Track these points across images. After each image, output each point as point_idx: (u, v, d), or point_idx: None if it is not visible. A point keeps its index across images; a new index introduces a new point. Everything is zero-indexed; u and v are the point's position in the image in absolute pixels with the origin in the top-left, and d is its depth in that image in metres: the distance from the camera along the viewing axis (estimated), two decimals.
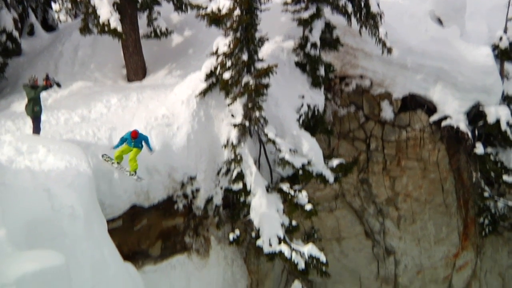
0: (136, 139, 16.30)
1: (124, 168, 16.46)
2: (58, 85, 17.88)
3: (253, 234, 19.00)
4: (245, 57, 18.69)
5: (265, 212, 18.67)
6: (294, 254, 18.55)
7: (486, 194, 26.81)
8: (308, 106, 21.51)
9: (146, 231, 17.70)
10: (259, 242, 18.68)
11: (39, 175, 10.74)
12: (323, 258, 19.05)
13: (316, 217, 21.65)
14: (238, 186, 19.32)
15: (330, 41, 22.84)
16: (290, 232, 19.33)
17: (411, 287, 27.75)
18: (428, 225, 26.89)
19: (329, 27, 22.52)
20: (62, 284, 8.44)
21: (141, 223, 17.39)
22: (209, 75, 19.74)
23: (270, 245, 18.49)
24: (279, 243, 18.51)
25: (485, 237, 27.52)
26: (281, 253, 18.51)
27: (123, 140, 16.33)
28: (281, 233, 18.64)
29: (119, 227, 16.38)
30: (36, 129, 16.75)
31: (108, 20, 21.22)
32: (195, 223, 19.43)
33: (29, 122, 17.12)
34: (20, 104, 19.67)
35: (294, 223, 19.39)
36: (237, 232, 19.80)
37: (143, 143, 16.69)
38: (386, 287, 27.91)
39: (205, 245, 19.60)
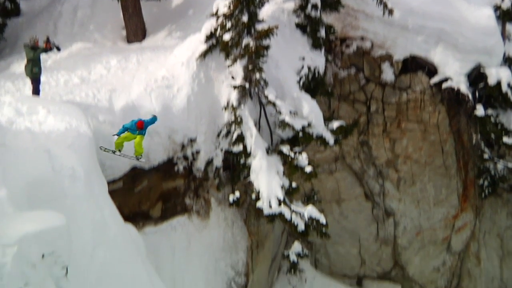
0: (141, 129, 16.17)
1: (127, 155, 16.33)
2: (58, 48, 17.76)
3: (253, 196, 19.04)
4: (245, 18, 18.55)
5: (265, 174, 18.71)
6: (294, 215, 18.64)
7: (486, 156, 26.83)
8: (309, 68, 21.39)
9: (146, 192, 17.77)
10: (259, 204, 18.74)
11: (39, 136, 10.74)
12: (323, 219, 19.14)
13: (316, 179, 21.68)
14: (238, 148, 19.32)
15: (331, 2, 22.67)
16: (290, 193, 19.38)
17: (410, 248, 27.95)
18: (428, 187, 26.96)
19: None
20: (63, 245, 8.49)
21: (141, 184, 17.45)
22: (209, 37, 19.62)
23: (270, 206, 18.55)
24: (279, 204, 18.57)
25: (484, 199, 27.62)
26: (281, 215, 18.59)
27: (125, 128, 16.04)
28: (281, 195, 18.69)
29: (119, 189, 16.43)
30: (35, 90, 16.70)
31: None
32: (195, 185, 19.49)
33: (28, 83, 17.07)
34: (19, 65, 19.57)
35: (294, 185, 19.43)
36: (237, 194, 19.86)
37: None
38: (385, 248, 28.13)
39: (205, 207, 19.70)
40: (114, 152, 16.08)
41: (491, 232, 27.77)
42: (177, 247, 17.94)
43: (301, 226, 18.74)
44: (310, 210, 19.01)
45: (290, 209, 18.70)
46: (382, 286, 28.91)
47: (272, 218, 18.80)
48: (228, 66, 19.68)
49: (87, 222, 9.76)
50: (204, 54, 19.65)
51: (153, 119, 16.46)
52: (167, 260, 17.12)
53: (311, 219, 18.93)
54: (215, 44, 19.70)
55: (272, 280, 24.93)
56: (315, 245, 28.05)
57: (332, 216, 26.39)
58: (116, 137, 15.96)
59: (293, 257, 25.30)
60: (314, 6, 21.58)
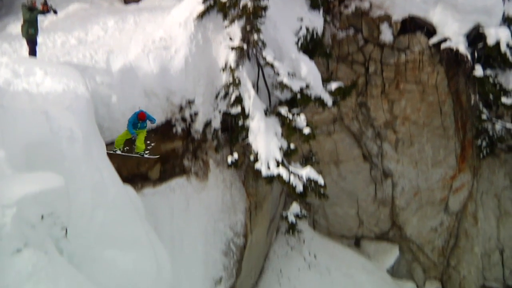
0: (143, 121, 16.10)
1: (130, 153, 16.39)
2: (55, 12, 17.61)
3: (252, 158, 19.09)
4: None
5: (264, 135, 18.72)
6: (292, 177, 18.70)
7: (484, 116, 26.80)
8: (307, 29, 21.24)
9: None
10: (257, 165, 18.80)
11: (37, 97, 10.71)
12: (321, 180, 19.21)
13: (314, 141, 21.73)
14: (236, 109, 19.29)
15: None
16: (289, 155, 19.42)
17: (407, 209, 28.12)
18: (426, 148, 27.00)
19: None
20: (62, 206, 8.52)
21: None
22: None
23: (269, 168, 18.61)
24: (278, 166, 18.63)
25: (482, 159, 27.68)
26: (279, 176, 18.66)
27: (130, 122, 15.91)
28: (279, 156, 18.73)
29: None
30: (32, 52, 16.63)
31: None
32: (193, 146, 19.50)
33: (25, 44, 16.98)
34: (16, 26, 19.44)
35: (292, 146, 19.45)
36: (236, 155, 19.89)
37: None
38: (383, 209, 28.29)
39: (204, 168, 19.74)
40: (115, 151, 16.08)
41: (488, 192, 27.90)
42: (175, 208, 18.02)
43: (300, 187, 18.80)
44: (308, 172, 19.06)
45: (289, 170, 18.75)
46: (380, 247, 29.15)
47: (270, 179, 18.86)
48: (226, 27, 19.55)
49: (86, 183, 9.78)
50: (201, 15, 19.49)
51: (153, 120, 16.52)
52: (166, 221, 17.21)
53: (309, 180, 18.99)
54: (212, 4, 19.52)
55: (270, 241, 25.13)
56: (313, 206, 28.20)
57: (330, 178, 26.50)
58: (135, 135, 16.06)
59: (291, 218, 25.49)
60: None
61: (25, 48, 17.14)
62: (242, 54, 19.02)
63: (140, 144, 16.31)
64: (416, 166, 27.31)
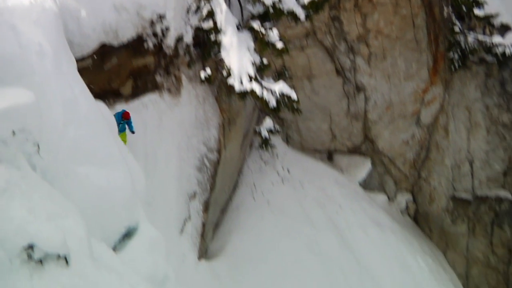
0: (127, 120, 15.69)
1: None
2: None
3: (224, 73, 19.01)
4: None
5: (236, 50, 18.58)
6: (265, 92, 18.72)
7: (456, 29, 26.80)
8: None
9: (116, 70, 17.53)
10: (230, 81, 18.74)
11: (4, 11, 10.38)
12: (294, 95, 19.27)
13: (287, 56, 21.66)
14: (208, 24, 19.04)
15: None
16: (261, 70, 19.37)
17: (380, 122, 28.36)
18: (398, 62, 27.02)
19: None
20: (33, 122, 8.43)
21: (111, 61, 17.17)
22: None
23: (242, 83, 18.57)
24: (250, 81, 18.61)
25: (454, 72, 27.81)
26: (252, 91, 18.66)
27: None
28: (252, 72, 18.69)
29: (88, 66, 16.17)
30: None
31: None
32: (165, 62, 19.28)
33: None
34: None
35: (265, 61, 19.40)
36: (208, 70, 19.75)
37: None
38: (356, 123, 28.50)
39: (176, 84, 19.60)
40: None
41: (459, 104, 28.16)
42: (149, 124, 17.98)
43: (273, 102, 18.87)
44: (281, 86, 19.09)
45: (262, 85, 18.75)
46: (352, 160, 29.53)
47: (243, 95, 18.86)
48: None
49: (56, 99, 9.64)
50: None
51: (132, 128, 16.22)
52: (139, 137, 17.18)
53: (282, 95, 19.04)
54: None
55: (244, 156, 25.32)
56: (286, 121, 28.31)
57: (303, 92, 26.50)
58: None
59: (264, 133, 25.62)
60: None
61: None
62: None
63: None
64: (388, 80, 27.38)
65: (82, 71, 13.58)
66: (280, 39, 19.36)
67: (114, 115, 15.36)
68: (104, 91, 16.86)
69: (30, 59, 9.60)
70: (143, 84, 18.56)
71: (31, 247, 6.38)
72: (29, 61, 9.56)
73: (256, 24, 19.32)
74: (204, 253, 20.29)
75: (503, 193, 27.74)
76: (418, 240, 28.37)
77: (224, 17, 18.75)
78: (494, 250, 27.69)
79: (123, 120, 15.82)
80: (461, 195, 28.55)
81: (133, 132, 16.36)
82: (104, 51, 16.80)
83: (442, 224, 29.17)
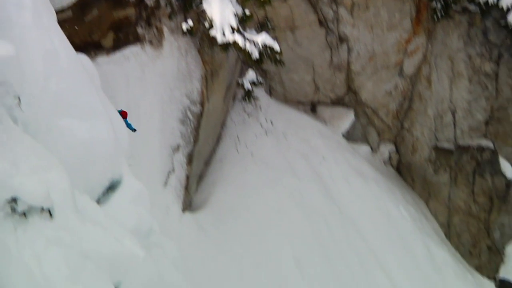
0: (125, 118, 15.27)
1: None
2: None
3: (207, 25, 18.84)
4: None
5: (218, 1, 18.40)
6: (247, 43, 18.63)
7: None
8: None
9: (97, 22, 17.33)
10: (212, 33, 18.62)
11: None
12: (276, 46, 19.19)
13: (269, 6, 21.47)
14: None
15: None
16: (244, 21, 19.22)
17: (363, 73, 28.35)
18: (381, 12, 26.84)
19: None
20: (14, 74, 8.33)
21: (91, 13, 16.96)
22: None
23: (224, 35, 18.45)
24: (233, 32, 18.49)
25: (437, 22, 27.66)
26: (235, 43, 18.56)
27: None
28: (234, 23, 18.54)
29: (69, 18, 15.97)
30: None
31: None
32: (147, 13, 19.06)
33: None
34: None
35: (247, 12, 19.22)
36: (190, 22, 19.59)
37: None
38: (339, 74, 28.48)
39: (158, 36, 19.42)
40: None
41: (442, 55, 28.13)
42: (131, 76, 17.87)
43: (255, 54, 18.80)
44: (264, 38, 18.99)
45: (244, 37, 18.64)
46: (336, 112, 29.61)
47: (226, 46, 18.76)
48: None
49: (37, 52, 9.52)
50: None
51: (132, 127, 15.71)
52: (122, 90, 17.09)
53: (265, 46, 18.97)
54: None
55: (227, 108, 25.30)
56: (269, 73, 28.22)
57: (286, 44, 26.34)
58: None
59: (247, 85, 25.56)
60: None
61: None
62: None
63: None
64: (371, 31, 27.26)
65: (62, 23, 13.39)
66: None
67: None
68: (85, 44, 16.69)
69: (8, 11, 9.44)
70: (124, 36, 18.36)
71: (14, 200, 6.36)
72: (8, 13, 9.40)
73: None
74: (188, 205, 20.40)
75: (485, 142, 27.97)
76: (400, 190, 28.68)
77: None
78: (476, 198, 28.05)
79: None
80: (443, 145, 28.76)
81: (133, 130, 15.97)
82: (84, 2, 16.57)
83: (425, 174, 29.44)
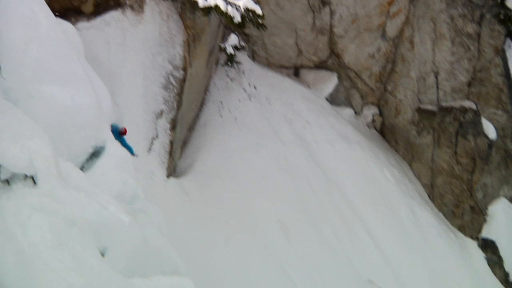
0: (123, 134, 14.79)
1: None
2: None
3: None
4: None
5: None
6: (229, 7, 18.49)
7: None
8: None
9: None
10: None
11: None
12: (259, 10, 19.07)
13: None
14: None
15: None
16: None
17: (346, 36, 28.27)
18: None
19: None
20: None
21: None
22: None
23: None
24: None
25: None
26: (216, 6, 18.43)
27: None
28: None
29: None
30: None
31: None
32: None
33: None
34: None
35: None
36: None
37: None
38: (322, 37, 28.39)
39: (139, 1, 19.20)
40: None
41: (424, 16, 28.04)
42: (112, 42, 17.70)
43: (237, 18, 18.68)
44: (245, 1, 18.86)
45: (226, 0, 18.46)
46: (319, 75, 29.60)
47: (207, 10, 18.62)
48: None
49: (16, 17, 9.41)
50: None
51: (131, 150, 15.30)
52: (103, 56, 16.95)
53: (247, 10, 18.83)
54: None
55: (210, 73, 25.16)
56: (252, 37, 28.08)
57: (268, 7, 26.17)
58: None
59: (230, 50, 25.38)
60: None
61: None
62: None
63: None
64: None
65: None
66: None
67: (111, 125, 14.69)
68: (65, 9, 16.47)
69: None
70: (104, 1, 18.13)
71: None
72: None
73: None
74: (172, 171, 20.39)
75: (467, 103, 28.09)
76: (384, 153, 28.87)
77: None
78: (458, 159, 28.26)
79: (121, 135, 15.00)
80: (426, 107, 28.86)
81: (133, 154, 15.64)
82: None
83: (408, 136, 29.61)
